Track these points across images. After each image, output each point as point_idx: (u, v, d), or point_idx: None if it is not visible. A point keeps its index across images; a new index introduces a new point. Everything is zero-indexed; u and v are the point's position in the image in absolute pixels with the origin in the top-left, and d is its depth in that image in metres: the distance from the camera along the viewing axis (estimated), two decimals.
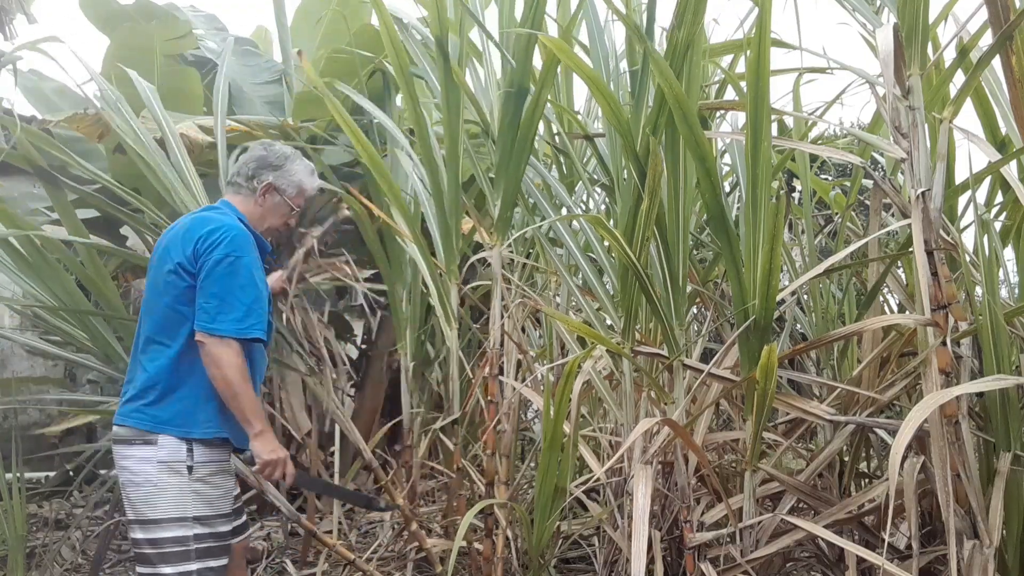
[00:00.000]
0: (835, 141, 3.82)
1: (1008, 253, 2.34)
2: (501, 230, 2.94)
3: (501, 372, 2.97)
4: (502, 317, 2.98)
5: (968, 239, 2.50)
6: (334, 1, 4.85)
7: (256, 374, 2.27)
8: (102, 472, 4.82)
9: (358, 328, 7.47)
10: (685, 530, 2.33)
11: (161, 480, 2.07)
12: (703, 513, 2.42)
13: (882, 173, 2.98)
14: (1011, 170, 2.11)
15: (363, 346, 7.38)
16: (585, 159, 3.34)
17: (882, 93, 2.09)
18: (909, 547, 2.05)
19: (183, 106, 4.65)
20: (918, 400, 1.93)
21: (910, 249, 2.05)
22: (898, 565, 1.92)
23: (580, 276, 3.13)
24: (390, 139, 3.71)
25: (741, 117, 2.95)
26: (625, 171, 2.62)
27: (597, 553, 2.95)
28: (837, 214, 3.35)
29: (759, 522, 2.25)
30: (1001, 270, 2.22)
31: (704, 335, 3.17)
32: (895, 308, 3.11)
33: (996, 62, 2.00)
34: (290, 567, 3.38)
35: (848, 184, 3.70)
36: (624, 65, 2.99)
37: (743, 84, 2.48)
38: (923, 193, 1.95)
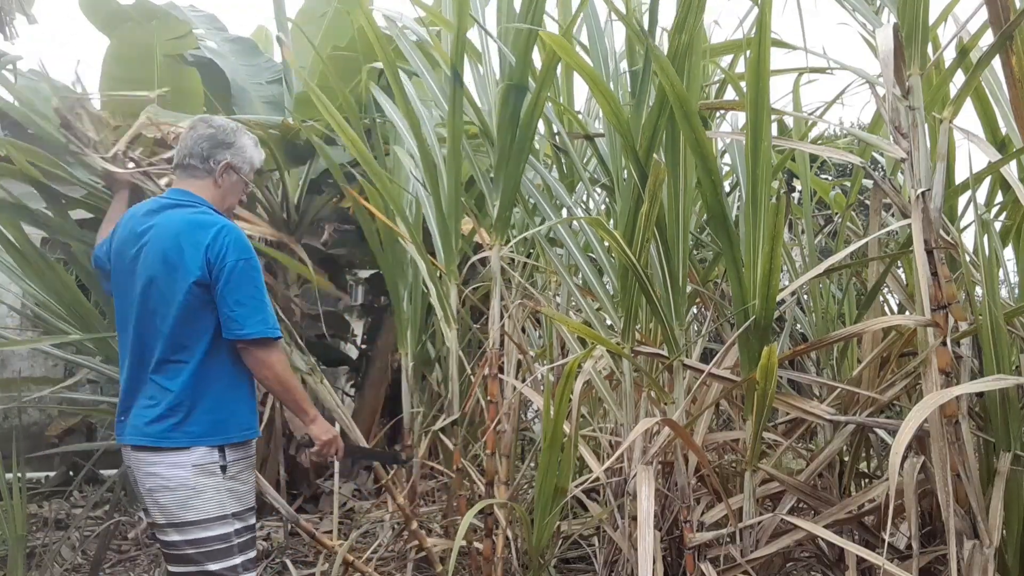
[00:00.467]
0: (835, 141, 3.82)
1: (1008, 253, 2.34)
2: (500, 230, 2.94)
3: (501, 372, 2.97)
4: (502, 317, 2.98)
5: (968, 239, 2.50)
6: (335, 0, 4.85)
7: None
8: (102, 472, 4.83)
9: (358, 328, 7.48)
10: (685, 530, 2.34)
11: (198, 483, 2.08)
12: (703, 513, 2.42)
13: (882, 173, 2.98)
14: (1011, 170, 2.11)
15: (363, 346, 7.38)
16: (585, 159, 3.34)
17: (882, 93, 2.09)
18: (909, 547, 2.05)
19: (183, 106, 4.64)
20: (918, 400, 1.93)
21: (910, 249, 2.05)
22: (898, 565, 1.92)
23: (580, 276, 3.13)
24: (392, 137, 3.71)
25: (741, 117, 2.95)
26: (625, 171, 2.62)
27: (597, 553, 2.95)
28: (837, 214, 3.35)
29: (759, 522, 2.25)
30: (1001, 270, 2.22)
31: (704, 335, 3.17)
32: (895, 308, 3.11)
33: (996, 62, 2.00)
34: (290, 567, 3.38)
35: (848, 184, 3.70)
36: (624, 65, 2.99)
37: (743, 84, 2.48)
38: (923, 193, 1.95)
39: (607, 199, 3.16)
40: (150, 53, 4.70)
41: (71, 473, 5.63)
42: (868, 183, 2.60)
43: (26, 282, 3.58)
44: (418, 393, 3.77)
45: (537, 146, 3.49)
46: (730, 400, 2.88)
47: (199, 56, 5.34)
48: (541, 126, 3.38)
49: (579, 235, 2.99)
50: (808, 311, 3.13)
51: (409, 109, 3.06)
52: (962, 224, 2.54)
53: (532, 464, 3.77)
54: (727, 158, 3.23)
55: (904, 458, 2.02)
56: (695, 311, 3.39)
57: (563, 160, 3.34)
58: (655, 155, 2.32)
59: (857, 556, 2.10)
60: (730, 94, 3.00)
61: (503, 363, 3.03)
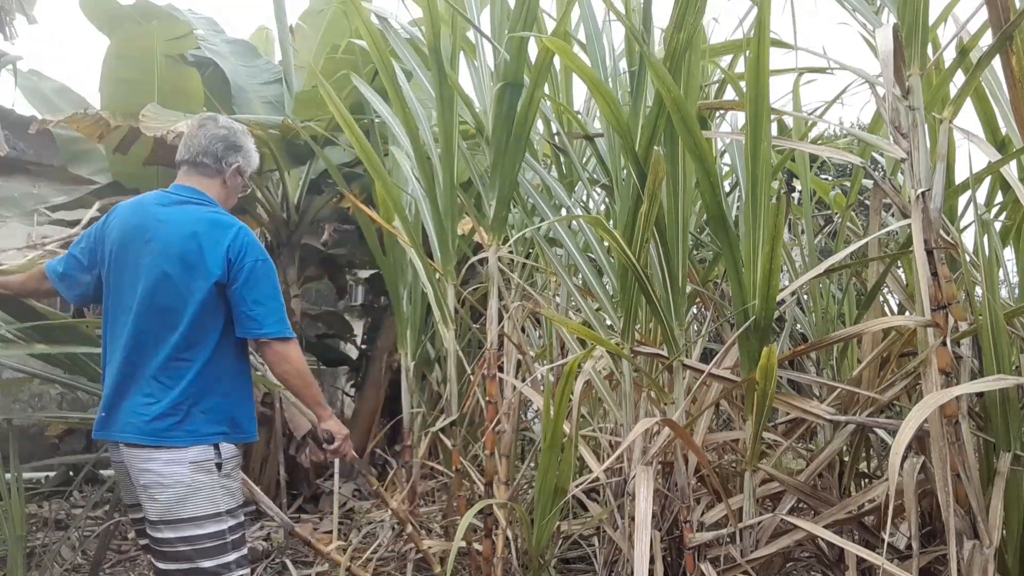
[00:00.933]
0: (835, 141, 3.82)
1: (1008, 253, 2.34)
2: (497, 229, 2.94)
3: (501, 372, 2.97)
4: (500, 317, 2.98)
5: (968, 239, 2.50)
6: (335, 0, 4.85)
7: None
8: (102, 472, 4.83)
9: (358, 328, 7.48)
10: (685, 530, 2.33)
11: (195, 480, 2.07)
12: (703, 513, 2.42)
13: (882, 173, 2.98)
14: (1011, 170, 2.11)
15: (363, 346, 7.38)
16: (585, 159, 3.34)
17: (882, 93, 2.09)
18: (909, 547, 2.05)
19: (183, 105, 4.64)
20: (918, 400, 1.93)
21: (910, 249, 2.05)
22: (898, 565, 1.92)
23: (579, 277, 3.13)
24: (391, 139, 3.71)
25: (741, 117, 2.95)
26: (624, 171, 2.62)
27: (597, 553, 2.95)
28: (837, 214, 3.35)
29: (759, 522, 2.25)
30: (1001, 270, 2.22)
31: (704, 335, 3.17)
32: (895, 308, 3.11)
33: (996, 62, 2.00)
34: (290, 567, 3.38)
35: (848, 184, 3.70)
36: (624, 65, 2.99)
37: (743, 84, 2.48)
38: (923, 193, 1.95)
39: (607, 199, 3.16)
40: (150, 53, 4.70)
41: (71, 473, 5.64)
42: (868, 183, 2.60)
43: None
44: (418, 393, 3.77)
45: (536, 147, 3.49)
46: (730, 400, 2.88)
47: (199, 56, 5.34)
48: (540, 125, 3.38)
49: (578, 235, 2.98)
50: (808, 311, 3.13)
51: (405, 109, 3.05)
52: (962, 224, 2.54)
53: (532, 464, 3.77)
54: (727, 158, 3.23)
55: (904, 458, 2.02)
56: (695, 311, 3.39)
57: (562, 160, 3.34)
58: (654, 153, 2.32)
59: (857, 556, 2.09)
60: (730, 94, 3.00)
61: (502, 363, 3.03)
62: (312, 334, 6.79)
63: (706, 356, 2.93)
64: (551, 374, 3.03)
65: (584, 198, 3.53)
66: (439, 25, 2.87)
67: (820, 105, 2.99)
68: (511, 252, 3.31)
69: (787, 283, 2.82)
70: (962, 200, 2.48)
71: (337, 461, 3.49)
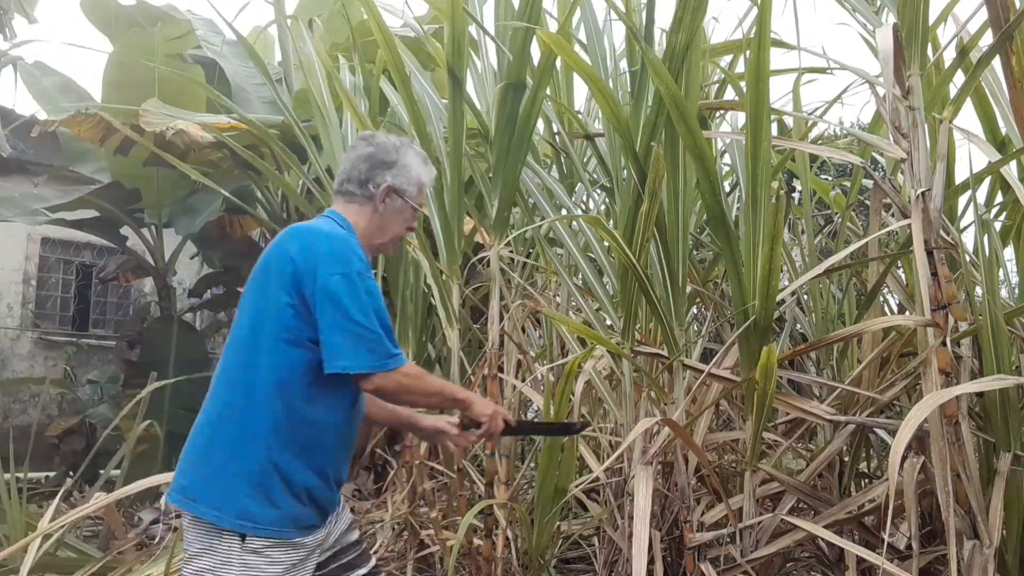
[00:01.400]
0: (835, 141, 3.82)
1: (1008, 253, 2.34)
2: (499, 229, 2.94)
3: (501, 371, 2.97)
4: (501, 317, 2.98)
5: (968, 239, 2.50)
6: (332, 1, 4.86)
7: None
8: (102, 472, 4.83)
9: None
10: (685, 530, 2.33)
11: None
12: (703, 513, 2.42)
13: (882, 173, 2.98)
14: (1011, 170, 2.11)
15: None
16: (585, 159, 3.34)
17: (882, 93, 2.09)
18: (909, 547, 2.05)
19: (185, 103, 4.65)
20: (918, 400, 1.93)
21: (910, 249, 2.05)
22: (898, 565, 1.92)
23: (579, 276, 3.13)
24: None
25: (740, 117, 2.95)
26: (624, 171, 2.62)
27: (597, 553, 2.95)
28: (837, 214, 3.35)
29: (759, 522, 2.25)
30: (1001, 270, 2.22)
31: (704, 335, 3.17)
32: (895, 308, 3.11)
33: (996, 62, 2.00)
34: None
35: (848, 184, 3.70)
36: (624, 64, 2.99)
37: (743, 84, 2.49)
38: (923, 193, 1.95)
39: (607, 200, 3.16)
40: (151, 52, 4.70)
41: (71, 473, 5.64)
42: (868, 183, 2.60)
43: None
44: None
45: (537, 147, 3.49)
46: (730, 400, 2.88)
47: (200, 56, 5.34)
48: (540, 125, 3.38)
49: (579, 235, 2.98)
50: (808, 311, 3.13)
51: (415, 109, 3.04)
52: (962, 224, 2.54)
53: (532, 464, 3.77)
54: (727, 158, 3.23)
55: (904, 458, 2.02)
56: (695, 311, 3.39)
57: (563, 160, 3.34)
58: (654, 152, 2.32)
59: (857, 556, 2.10)
60: (730, 94, 3.00)
61: (503, 363, 3.03)
62: None
63: (706, 356, 2.93)
64: (551, 374, 3.03)
65: (584, 198, 3.53)
66: (460, 39, 2.83)
67: (820, 105, 3.00)
68: (511, 252, 3.31)
69: (787, 283, 2.82)
70: (962, 200, 2.48)
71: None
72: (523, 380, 3.08)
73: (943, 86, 2.19)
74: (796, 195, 3.34)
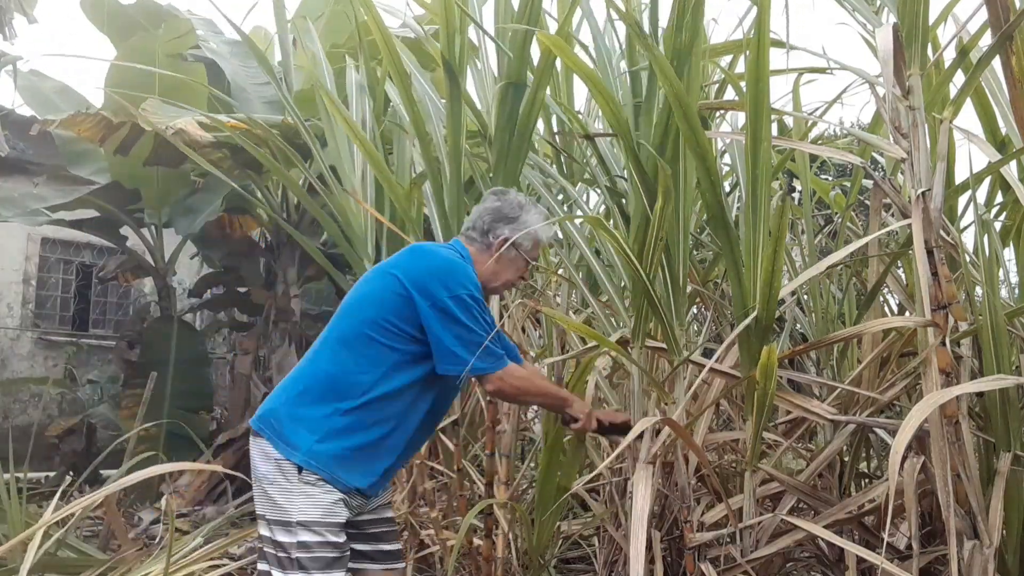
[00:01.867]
0: (835, 141, 3.82)
1: (1008, 253, 2.34)
2: None
3: None
4: (501, 316, 2.98)
5: (968, 239, 2.50)
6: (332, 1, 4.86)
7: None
8: (102, 472, 4.83)
9: None
10: (685, 530, 2.33)
11: None
12: (703, 513, 2.42)
13: (882, 173, 2.98)
14: (1011, 170, 2.11)
15: None
16: (585, 159, 3.34)
17: (882, 93, 2.09)
18: (909, 547, 2.05)
19: (187, 102, 4.65)
20: (918, 400, 1.93)
21: (910, 249, 2.05)
22: (898, 565, 1.92)
23: (581, 275, 3.13)
24: (396, 137, 3.70)
25: (740, 117, 2.95)
26: (625, 171, 2.62)
27: (597, 553, 2.95)
28: (837, 214, 3.35)
29: (759, 522, 2.25)
30: (1001, 270, 2.22)
31: (704, 335, 3.17)
32: (895, 308, 3.11)
33: (996, 62, 2.00)
34: None
35: (848, 184, 3.70)
36: (624, 65, 2.99)
37: (743, 84, 2.48)
38: (923, 193, 1.95)
39: (607, 200, 3.16)
40: (152, 53, 4.70)
41: (71, 473, 5.64)
42: (868, 183, 2.60)
43: None
44: None
45: (538, 147, 3.49)
46: (730, 400, 2.88)
47: (199, 56, 5.34)
48: (541, 125, 3.38)
49: (586, 234, 2.98)
50: (808, 311, 3.13)
51: (415, 109, 3.04)
52: (962, 224, 2.54)
53: (532, 464, 3.77)
54: (727, 158, 3.23)
55: (904, 458, 2.01)
56: (695, 311, 3.39)
57: (563, 160, 3.34)
58: (658, 157, 2.32)
59: (857, 556, 2.09)
60: (730, 94, 3.00)
61: None
62: (312, 334, 6.79)
63: (706, 356, 2.93)
64: (552, 374, 3.03)
65: (585, 198, 3.53)
66: (455, 37, 2.85)
67: (820, 105, 2.99)
68: None
69: (786, 283, 2.82)
70: (962, 200, 2.48)
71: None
72: None
73: (943, 86, 2.19)
74: (796, 195, 3.34)
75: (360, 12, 3.02)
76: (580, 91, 3.84)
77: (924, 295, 1.91)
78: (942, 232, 1.99)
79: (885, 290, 2.77)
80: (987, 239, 2.06)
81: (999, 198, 2.49)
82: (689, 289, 2.66)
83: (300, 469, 1.98)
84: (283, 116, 4.57)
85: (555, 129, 3.29)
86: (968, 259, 2.19)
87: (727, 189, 3.21)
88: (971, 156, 2.49)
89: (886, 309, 3.05)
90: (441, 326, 2.03)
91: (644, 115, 2.47)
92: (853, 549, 2.01)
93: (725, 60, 3.22)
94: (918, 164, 1.99)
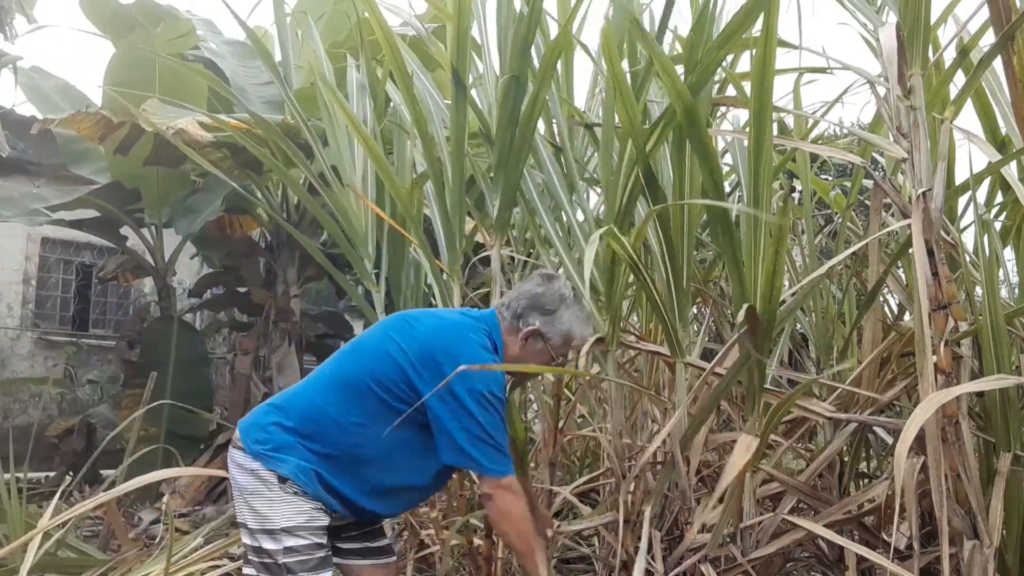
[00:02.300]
0: (836, 141, 3.82)
1: (1008, 253, 2.34)
2: (500, 229, 2.94)
3: None
4: None
5: (968, 239, 2.50)
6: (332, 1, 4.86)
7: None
8: (102, 472, 4.83)
9: (358, 328, 7.49)
10: (686, 531, 2.34)
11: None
12: (704, 513, 2.42)
13: (882, 173, 2.98)
14: (1011, 170, 2.11)
15: None
16: (585, 159, 3.34)
17: (883, 93, 2.09)
18: (909, 547, 2.05)
19: (187, 101, 4.64)
20: (919, 401, 1.93)
21: (910, 249, 2.05)
22: (898, 565, 1.92)
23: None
24: (396, 136, 3.70)
25: (741, 117, 2.95)
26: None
27: (597, 553, 2.95)
28: (837, 214, 3.35)
29: (759, 522, 2.25)
30: (1001, 270, 2.22)
31: (704, 335, 3.17)
32: (895, 308, 3.11)
33: (997, 62, 2.00)
34: None
35: (848, 184, 3.70)
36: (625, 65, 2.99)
37: (745, 84, 2.48)
38: (923, 193, 1.95)
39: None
40: (151, 52, 4.70)
41: (71, 473, 5.64)
42: (868, 183, 2.60)
43: None
44: None
45: (540, 146, 3.49)
46: (730, 400, 2.88)
47: (199, 57, 5.34)
48: (541, 126, 3.38)
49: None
50: (808, 311, 3.13)
51: (416, 107, 3.04)
52: (962, 224, 2.54)
53: (532, 464, 3.77)
54: (727, 158, 3.23)
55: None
56: (695, 310, 3.39)
57: (562, 161, 3.34)
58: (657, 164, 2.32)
59: (857, 556, 2.10)
60: (730, 93, 2.99)
61: None
62: (312, 334, 6.80)
63: (706, 356, 2.93)
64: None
65: (584, 198, 3.52)
66: (464, 40, 2.84)
67: (821, 105, 2.99)
68: (512, 251, 3.31)
69: (787, 283, 2.82)
70: (962, 200, 2.48)
71: None
72: None
73: (944, 86, 2.19)
74: (796, 195, 3.34)
75: (362, 10, 3.01)
76: (581, 92, 3.84)
77: (922, 295, 1.91)
78: (942, 232, 1.99)
79: (885, 290, 2.77)
80: (987, 239, 2.06)
81: (999, 198, 2.49)
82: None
83: (282, 480, 1.96)
84: (283, 116, 4.57)
85: (555, 129, 3.28)
86: (968, 259, 2.19)
87: (728, 189, 3.21)
88: (971, 156, 2.49)
89: (886, 309, 3.05)
90: (451, 415, 1.96)
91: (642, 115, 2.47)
92: (853, 549, 2.01)
93: (725, 60, 3.22)
94: (918, 164, 1.99)
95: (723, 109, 3.06)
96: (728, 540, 2.25)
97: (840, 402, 2.49)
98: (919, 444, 2.07)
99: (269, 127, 3.85)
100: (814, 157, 3.21)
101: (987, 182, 2.50)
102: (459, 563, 3.06)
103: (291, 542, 1.95)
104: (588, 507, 3.28)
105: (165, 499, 4.95)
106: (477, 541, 3.05)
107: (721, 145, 3.19)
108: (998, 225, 2.26)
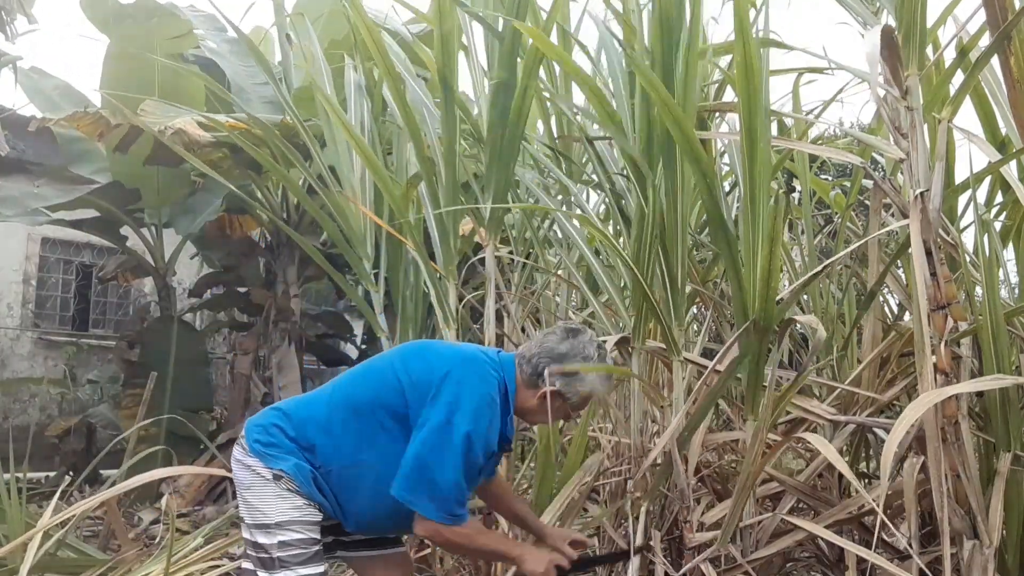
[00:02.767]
0: (835, 141, 3.82)
1: (1008, 253, 2.34)
2: (494, 227, 2.94)
3: None
4: (498, 316, 2.97)
5: (968, 239, 2.50)
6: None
7: None
8: (102, 472, 4.83)
9: (358, 328, 7.49)
10: (685, 530, 2.34)
11: None
12: (703, 513, 2.42)
13: (882, 173, 2.98)
14: (1011, 170, 2.11)
15: (363, 346, 7.35)
16: (584, 159, 3.34)
17: (881, 93, 2.09)
18: (910, 547, 2.05)
19: (184, 103, 4.64)
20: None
21: (910, 249, 2.05)
22: (898, 565, 1.92)
23: (581, 275, 3.13)
24: (396, 137, 3.70)
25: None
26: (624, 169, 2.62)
27: (597, 553, 2.94)
28: (837, 214, 3.35)
29: (759, 522, 2.25)
30: (1001, 270, 2.22)
31: (703, 335, 3.17)
32: (895, 308, 3.11)
33: (995, 62, 2.00)
34: None
35: (848, 184, 3.70)
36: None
37: None
38: (922, 193, 1.95)
39: (607, 200, 3.16)
40: (151, 51, 4.69)
41: (71, 473, 5.64)
42: (868, 183, 2.60)
43: None
44: None
45: (537, 146, 3.49)
46: (730, 400, 2.88)
47: (199, 56, 5.34)
48: (541, 127, 3.38)
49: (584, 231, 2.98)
50: (807, 311, 3.13)
51: (407, 111, 3.04)
52: (962, 224, 2.54)
53: (532, 464, 3.77)
54: (727, 158, 3.23)
55: (904, 458, 2.02)
56: (694, 311, 3.39)
57: (562, 161, 3.34)
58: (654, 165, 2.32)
59: (857, 556, 2.10)
60: (730, 94, 3.00)
61: None
62: (312, 334, 6.80)
63: (706, 356, 2.93)
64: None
65: (584, 198, 3.52)
66: (449, 42, 2.84)
67: (820, 105, 2.99)
68: (511, 252, 3.31)
69: (787, 283, 2.82)
70: (962, 200, 2.48)
71: None
72: None
73: (943, 86, 2.19)
74: (796, 195, 3.33)
75: (353, 17, 3.01)
76: (579, 92, 3.84)
77: (921, 295, 1.91)
78: (942, 232, 1.99)
79: (885, 290, 2.77)
80: (987, 239, 2.06)
81: (999, 198, 2.49)
82: (688, 289, 2.66)
83: (278, 476, 1.99)
84: (283, 116, 4.57)
85: (555, 133, 3.29)
86: (968, 259, 2.19)
87: (727, 188, 3.21)
88: (971, 156, 2.48)
89: (886, 309, 3.05)
90: (422, 444, 1.93)
91: (641, 114, 2.46)
92: (853, 549, 2.01)
93: (725, 60, 3.21)
94: (917, 164, 1.99)
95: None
96: (728, 540, 2.25)
97: (840, 402, 2.49)
98: (919, 444, 2.08)
99: (267, 128, 3.85)
100: (814, 157, 3.21)
101: (987, 182, 2.49)
102: (459, 563, 3.05)
103: (285, 536, 1.97)
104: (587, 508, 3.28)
105: (165, 499, 4.94)
106: None
107: (721, 145, 3.19)
108: (998, 225, 2.26)
